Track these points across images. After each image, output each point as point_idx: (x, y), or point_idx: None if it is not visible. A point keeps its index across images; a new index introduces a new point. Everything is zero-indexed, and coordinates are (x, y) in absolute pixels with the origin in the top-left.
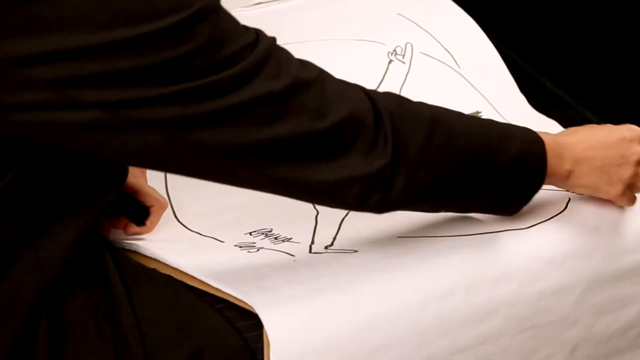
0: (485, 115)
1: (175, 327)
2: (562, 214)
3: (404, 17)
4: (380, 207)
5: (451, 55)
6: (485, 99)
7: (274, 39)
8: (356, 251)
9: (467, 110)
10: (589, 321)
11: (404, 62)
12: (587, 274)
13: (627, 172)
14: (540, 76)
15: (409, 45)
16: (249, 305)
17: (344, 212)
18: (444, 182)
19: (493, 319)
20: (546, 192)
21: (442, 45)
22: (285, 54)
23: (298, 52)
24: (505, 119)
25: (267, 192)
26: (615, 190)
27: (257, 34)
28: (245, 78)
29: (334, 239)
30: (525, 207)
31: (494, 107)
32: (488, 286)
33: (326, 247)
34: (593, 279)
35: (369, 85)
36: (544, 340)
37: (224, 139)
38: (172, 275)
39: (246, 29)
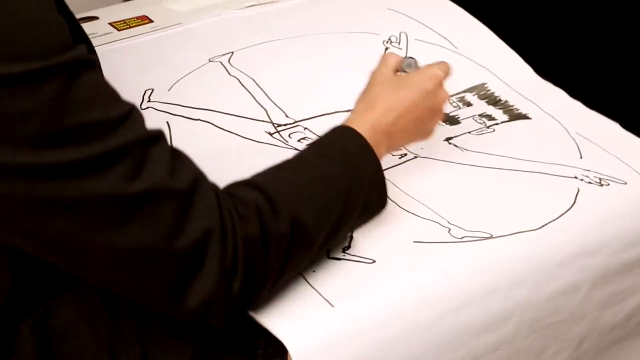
0: (492, 86)
1: (175, 328)
2: (571, 209)
3: (395, 10)
4: (223, 325)
5: (447, 39)
6: (490, 71)
7: (155, 131)
8: (374, 261)
9: (472, 83)
10: (594, 315)
11: (400, 49)
12: (594, 270)
13: (436, 119)
14: (541, 76)
15: (403, 34)
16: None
17: None
18: (301, 267)
19: (506, 324)
20: (555, 184)
21: (436, 32)
22: (159, 152)
23: (294, 46)
24: (512, 88)
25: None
26: (427, 136)
27: (131, 115)
28: (90, 166)
29: (351, 237)
30: (537, 205)
31: (499, 78)
32: (501, 293)
33: (344, 250)
34: (599, 274)
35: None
36: (552, 338)
37: (52, 231)
38: None
39: (118, 103)
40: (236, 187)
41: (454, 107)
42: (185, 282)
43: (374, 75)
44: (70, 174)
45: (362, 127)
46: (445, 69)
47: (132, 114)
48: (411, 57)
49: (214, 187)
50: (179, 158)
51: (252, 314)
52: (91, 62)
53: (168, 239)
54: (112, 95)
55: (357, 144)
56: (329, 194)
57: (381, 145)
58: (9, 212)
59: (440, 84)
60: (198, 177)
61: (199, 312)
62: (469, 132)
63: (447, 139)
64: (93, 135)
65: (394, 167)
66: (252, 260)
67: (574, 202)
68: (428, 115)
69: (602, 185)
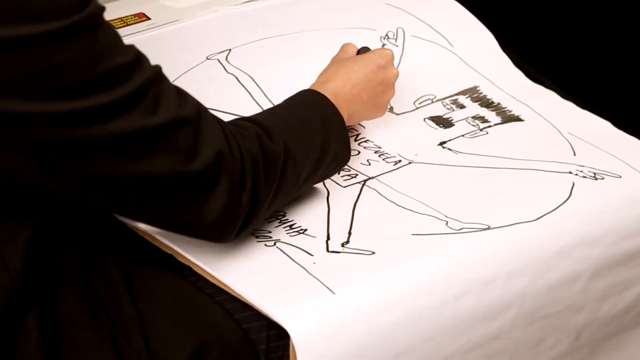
0: (484, 89)
1: (177, 322)
2: (567, 201)
3: (393, 5)
4: (233, 238)
5: (443, 36)
6: (482, 74)
7: (157, 68)
8: (373, 252)
9: (464, 86)
10: (593, 306)
11: (397, 45)
12: (592, 261)
13: (389, 94)
14: (540, 76)
15: (400, 30)
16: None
17: (354, 197)
18: (290, 196)
19: (506, 314)
20: (550, 179)
21: (433, 28)
22: (166, 86)
23: (291, 43)
24: (505, 92)
25: (128, 219)
26: (382, 112)
27: (139, 56)
28: (120, 107)
29: (349, 233)
30: (533, 198)
31: (491, 82)
32: (501, 282)
33: (343, 245)
34: (598, 265)
35: None
36: (552, 328)
37: (89, 169)
38: (190, 266)
39: (127, 47)
40: (232, 120)
41: (447, 109)
42: (202, 199)
43: (333, 59)
44: (105, 116)
45: (328, 94)
46: (391, 52)
47: (140, 55)
48: (366, 47)
49: (213, 115)
50: (180, 91)
51: (255, 301)
52: (103, 13)
53: (186, 162)
54: (121, 40)
55: (324, 102)
56: (310, 134)
57: (342, 111)
58: (51, 158)
59: (390, 61)
60: (200, 106)
61: (215, 225)
62: (463, 136)
63: (441, 144)
64: (119, 79)
65: (389, 173)
66: (256, 175)
67: (570, 195)
68: (380, 89)
69: (596, 179)
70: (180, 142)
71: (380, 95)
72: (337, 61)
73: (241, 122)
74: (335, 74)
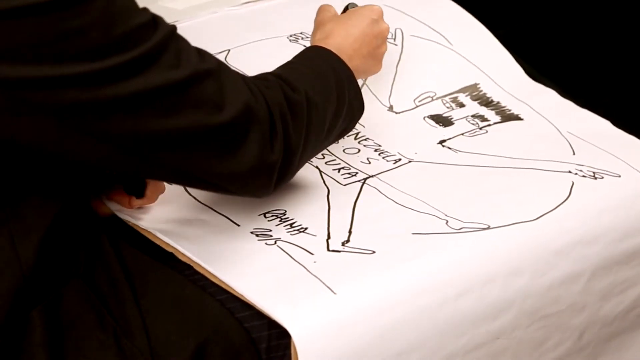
0: (484, 87)
1: (180, 320)
2: (567, 201)
3: (390, 7)
4: (272, 190)
5: (442, 35)
6: (482, 71)
7: (173, 27)
8: (374, 252)
9: (464, 83)
10: (595, 306)
11: (395, 44)
12: (592, 260)
13: (384, 48)
14: (540, 76)
15: (398, 30)
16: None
17: (354, 195)
18: (318, 146)
19: (507, 313)
20: (550, 178)
21: (431, 28)
22: (185, 43)
23: (290, 44)
24: (504, 89)
25: (167, 182)
26: (379, 66)
27: (154, 17)
28: (142, 64)
29: (350, 232)
30: (533, 198)
31: (491, 79)
32: (501, 281)
33: (343, 244)
34: (598, 264)
35: None
36: (554, 328)
37: (120, 128)
38: (191, 265)
39: (142, 9)
40: (252, 76)
41: (447, 107)
42: (234, 150)
43: (320, 19)
44: (128, 74)
45: (332, 50)
46: (380, 7)
47: (155, 15)
48: (353, 3)
49: (234, 70)
50: (198, 48)
51: (255, 301)
52: None
53: (214, 114)
54: (136, 3)
55: (331, 55)
56: (326, 84)
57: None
58: (79, 120)
59: (381, 15)
60: (220, 61)
61: (251, 176)
62: (462, 134)
63: (441, 142)
64: (139, 37)
65: (389, 171)
66: (285, 122)
67: (569, 194)
68: (377, 42)
69: (596, 178)
70: (206, 95)
71: (377, 49)
72: (328, 19)
73: (261, 75)
74: (334, 30)
